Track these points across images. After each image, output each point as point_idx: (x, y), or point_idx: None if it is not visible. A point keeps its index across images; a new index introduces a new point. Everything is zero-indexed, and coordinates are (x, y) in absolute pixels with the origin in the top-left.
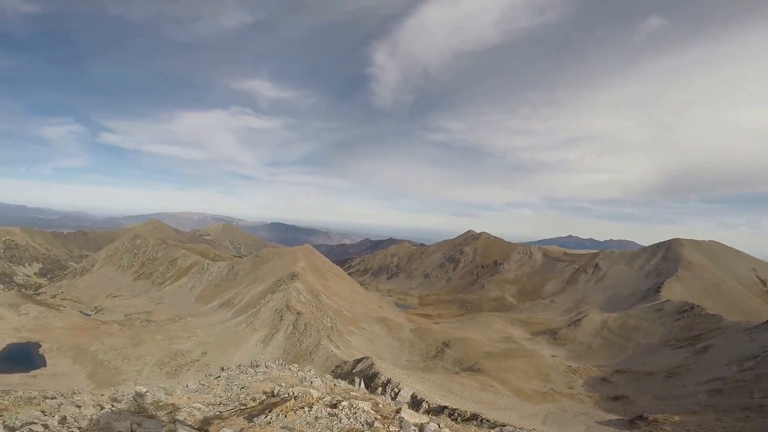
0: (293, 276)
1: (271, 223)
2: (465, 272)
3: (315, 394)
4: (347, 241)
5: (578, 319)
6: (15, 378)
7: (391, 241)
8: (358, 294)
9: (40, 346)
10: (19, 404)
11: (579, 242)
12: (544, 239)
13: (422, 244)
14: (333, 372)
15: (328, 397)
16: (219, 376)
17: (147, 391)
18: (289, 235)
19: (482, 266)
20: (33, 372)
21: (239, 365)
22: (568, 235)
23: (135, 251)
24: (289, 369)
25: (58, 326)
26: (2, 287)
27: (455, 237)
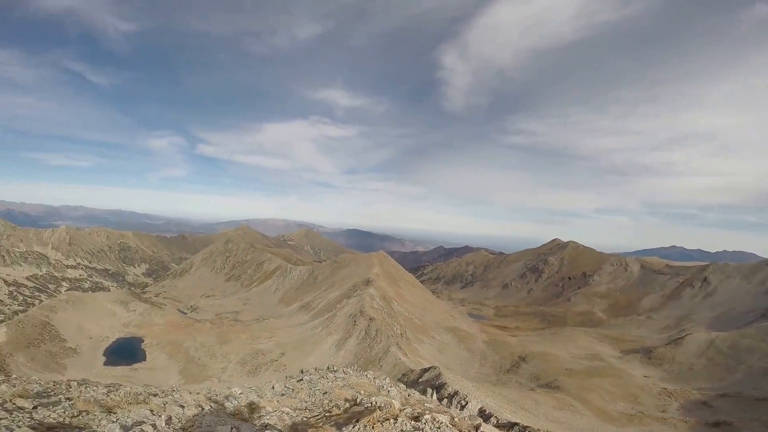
0: (368, 282)
1: (349, 230)
2: (549, 284)
3: (397, 405)
4: (420, 249)
5: (680, 338)
6: (119, 370)
7: (467, 249)
8: (430, 302)
9: (143, 341)
10: (129, 401)
11: (684, 253)
12: (643, 250)
13: (501, 253)
14: (399, 380)
15: (410, 408)
16: (301, 380)
17: (241, 393)
18: (365, 241)
19: (569, 278)
20: (134, 365)
21: (318, 369)
22: (671, 245)
23: (227, 254)
24: (366, 376)
25: (159, 323)
26: (116, 285)
27: (538, 246)
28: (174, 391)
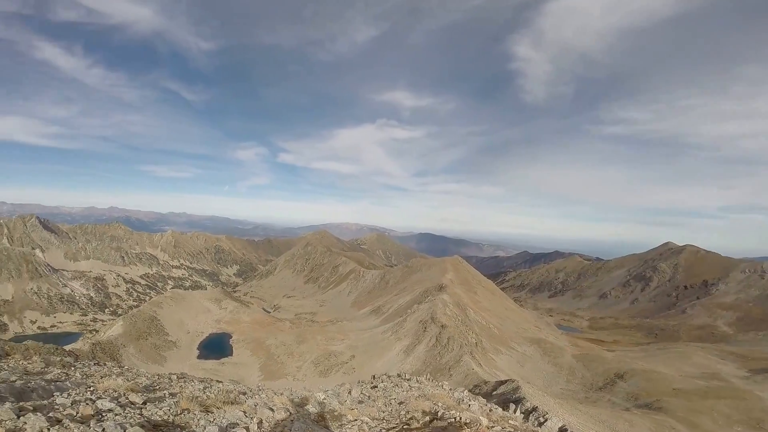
0: (440, 288)
1: (421, 234)
2: (658, 293)
3: (485, 422)
4: (501, 254)
5: None
6: (209, 364)
7: (556, 255)
8: (511, 311)
9: (231, 337)
10: (223, 400)
11: None
12: None
13: (597, 259)
14: (471, 391)
15: (498, 426)
16: (375, 386)
17: (324, 399)
18: (438, 245)
19: (685, 287)
20: (222, 360)
21: (389, 375)
22: None
23: (306, 257)
24: (442, 387)
25: (246, 321)
26: (211, 284)
27: (645, 251)
28: (260, 390)
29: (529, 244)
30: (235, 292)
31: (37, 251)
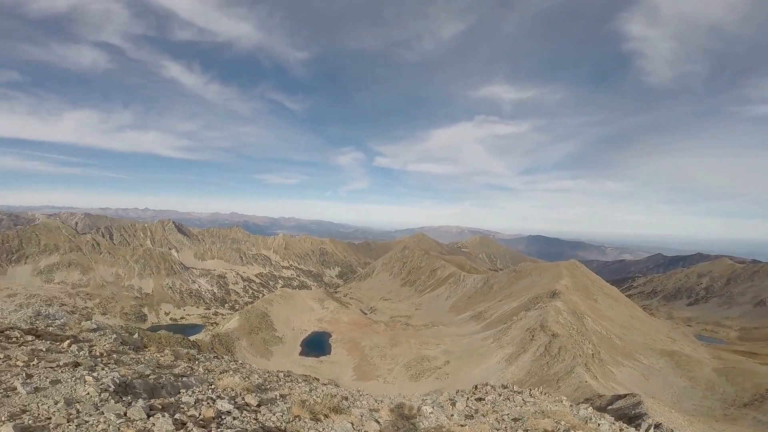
0: (553, 294)
1: (530, 236)
2: None
3: None
4: (627, 257)
5: None
6: (310, 361)
7: (699, 257)
8: (639, 320)
9: (330, 336)
10: (328, 405)
11: None
12: None
13: (754, 261)
14: (581, 404)
15: None
16: (482, 398)
17: (432, 413)
18: (550, 248)
19: None
20: (321, 358)
21: (493, 386)
22: None
23: (403, 261)
24: (561, 402)
25: (344, 321)
26: (316, 285)
27: None
28: (360, 396)
29: (662, 246)
30: (336, 292)
31: (173, 251)
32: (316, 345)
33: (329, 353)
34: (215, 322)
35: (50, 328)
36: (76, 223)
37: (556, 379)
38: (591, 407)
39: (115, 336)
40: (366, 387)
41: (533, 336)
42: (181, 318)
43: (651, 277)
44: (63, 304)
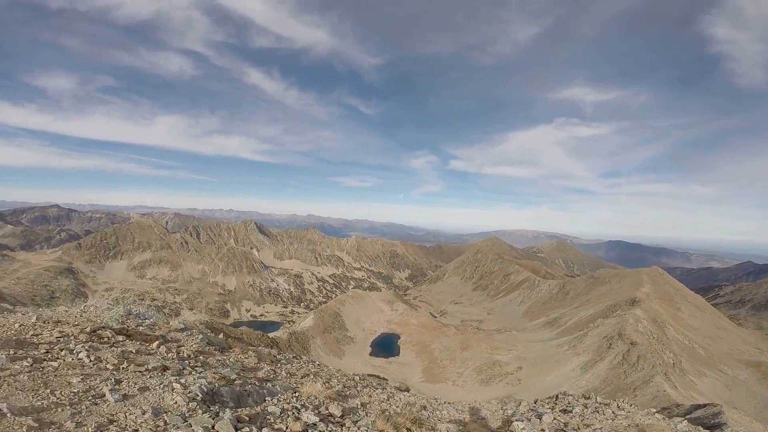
0: (633, 302)
1: (610, 242)
2: None
3: None
4: (715, 264)
5: None
6: (378, 361)
7: None
8: (725, 330)
9: (399, 338)
10: (408, 417)
11: None
12: None
13: None
14: (659, 413)
15: None
16: (568, 410)
17: (524, 429)
18: (631, 254)
19: None
20: (390, 359)
21: (575, 396)
22: None
23: (476, 264)
24: (653, 415)
25: (413, 323)
26: (385, 286)
27: None
28: (440, 405)
29: (752, 253)
30: (405, 295)
31: (254, 250)
32: (385, 346)
33: (398, 354)
34: (292, 320)
35: (140, 327)
36: (167, 222)
37: (632, 388)
38: (685, 420)
39: (201, 336)
40: (434, 389)
41: (611, 344)
42: (261, 315)
43: (739, 286)
44: (154, 299)
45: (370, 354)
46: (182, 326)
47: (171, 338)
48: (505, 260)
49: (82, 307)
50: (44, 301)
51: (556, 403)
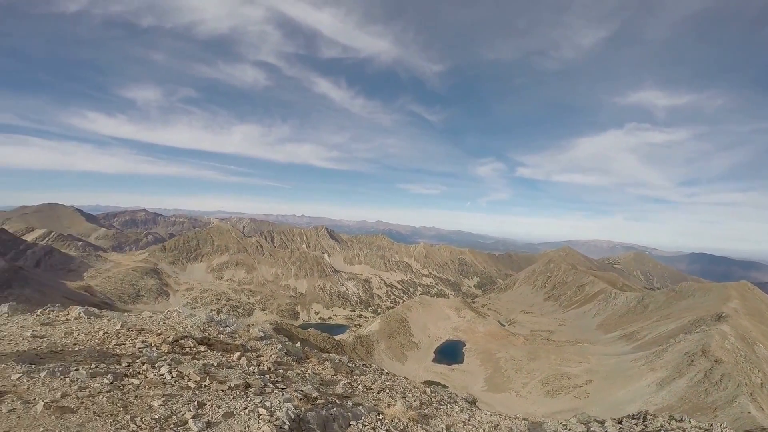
0: (719, 317)
1: (692, 254)
2: None
3: None
4: None
5: None
6: (441, 368)
7: None
8: None
9: (464, 345)
10: None
11: None
12: None
13: None
14: None
15: None
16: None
17: None
18: (716, 268)
19: None
20: (453, 366)
21: (654, 414)
22: None
23: (548, 274)
24: None
25: (480, 331)
26: (453, 293)
27: None
28: (528, 426)
29: None
30: (473, 302)
31: (325, 255)
32: (449, 353)
33: (461, 362)
34: (358, 324)
35: (221, 336)
36: (243, 227)
37: (713, 408)
38: None
39: (280, 346)
40: (497, 399)
41: (692, 360)
42: (329, 318)
43: None
44: (230, 299)
45: (433, 360)
46: (261, 334)
47: (251, 347)
48: (579, 271)
49: (165, 313)
50: (130, 299)
51: (645, 425)
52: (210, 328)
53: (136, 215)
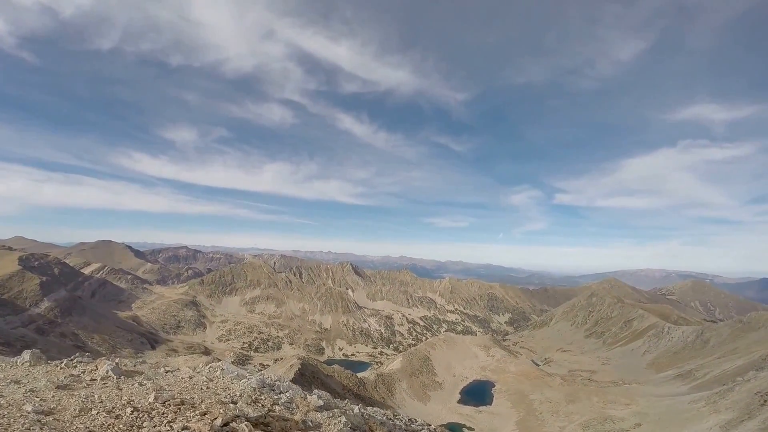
0: None
1: (764, 279)
2: None
3: None
4: None
5: None
6: (467, 410)
7: None
8: None
9: (494, 386)
10: None
11: None
12: None
13: None
14: None
15: None
16: None
17: None
18: None
19: None
20: (480, 408)
21: None
22: None
23: (590, 309)
24: None
25: (512, 371)
26: (482, 331)
27: None
28: None
29: None
30: (504, 340)
31: (349, 291)
32: (477, 394)
33: (490, 403)
34: (380, 362)
35: (276, 407)
36: (274, 263)
37: None
38: None
39: (344, 420)
40: None
41: (765, 401)
42: (352, 354)
43: None
44: (260, 332)
45: (459, 401)
46: (321, 403)
47: (312, 422)
48: (626, 304)
49: (208, 370)
50: (172, 330)
51: None
52: (263, 396)
53: (178, 251)
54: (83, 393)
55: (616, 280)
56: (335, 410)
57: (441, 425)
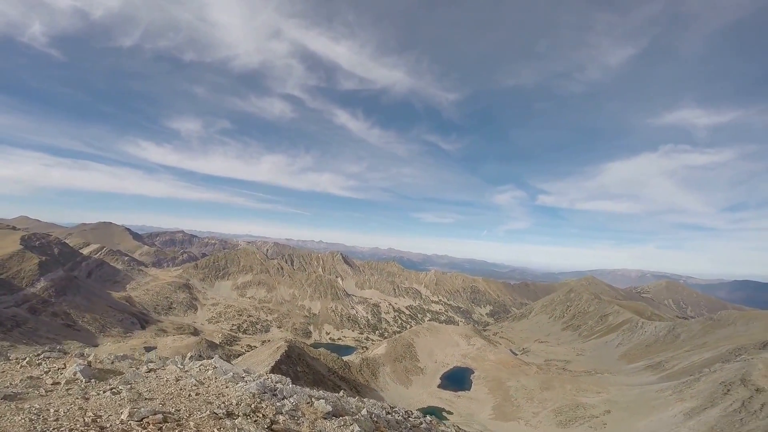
0: (765, 345)
1: (735, 281)
2: None
3: None
4: None
5: None
6: (446, 394)
7: None
8: None
9: (473, 373)
10: None
11: None
12: None
13: None
14: None
15: None
16: None
17: None
18: (763, 295)
19: None
20: (459, 393)
21: None
22: None
23: (568, 304)
24: None
25: (491, 359)
26: (464, 321)
27: None
28: None
29: None
30: (485, 330)
31: (339, 279)
32: (457, 380)
33: (469, 389)
34: (365, 347)
35: (280, 417)
36: (267, 250)
37: None
38: None
39: (357, 428)
40: (504, 428)
41: (728, 390)
42: (338, 339)
43: None
44: (250, 316)
45: (439, 386)
46: (329, 408)
47: None
48: (603, 300)
49: (198, 369)
50: (163, 311)
51: None
52: (264, 404)
53: (174, 236)
54: (36, 406)
55: (594, 278)
56: (346, 417)
57: (420, 408)
